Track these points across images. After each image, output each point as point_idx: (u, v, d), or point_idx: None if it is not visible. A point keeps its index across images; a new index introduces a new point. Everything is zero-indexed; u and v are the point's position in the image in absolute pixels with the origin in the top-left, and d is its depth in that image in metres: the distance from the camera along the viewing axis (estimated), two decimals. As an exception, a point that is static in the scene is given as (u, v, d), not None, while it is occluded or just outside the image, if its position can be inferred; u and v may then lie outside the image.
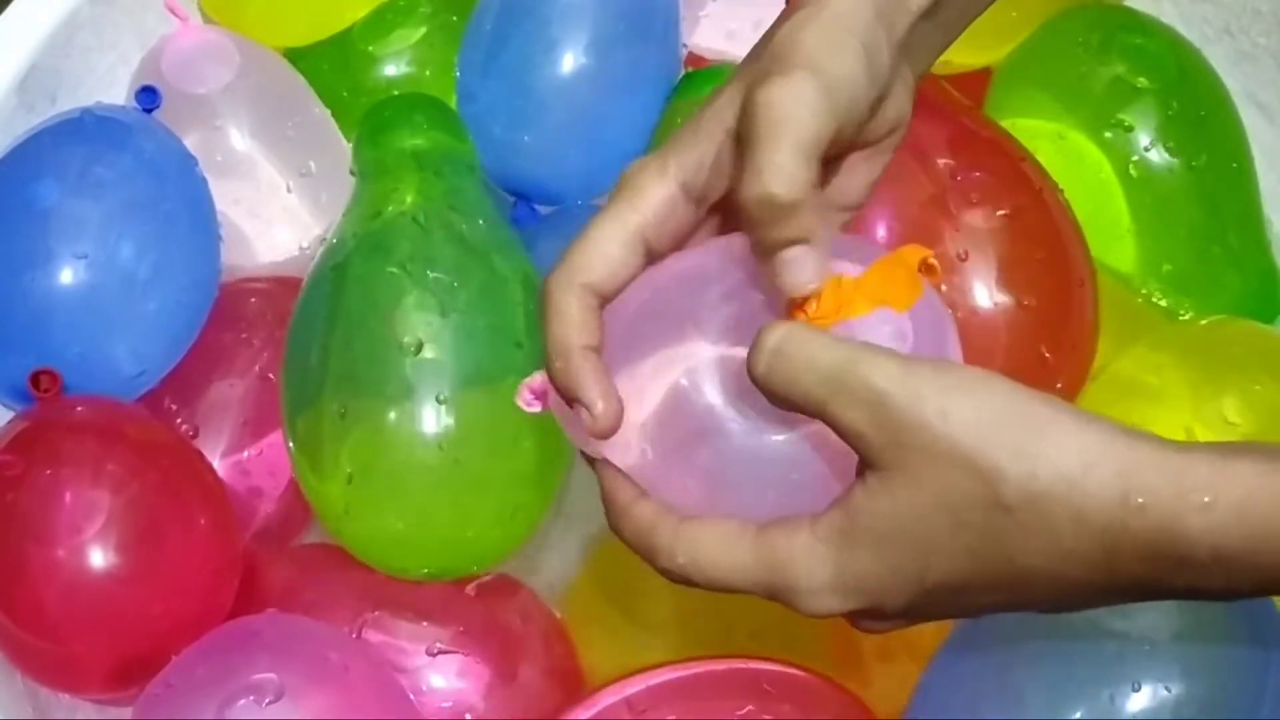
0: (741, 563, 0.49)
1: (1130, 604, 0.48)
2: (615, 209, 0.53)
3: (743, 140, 0.50)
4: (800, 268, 0.49)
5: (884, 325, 0.50)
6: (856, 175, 0.57)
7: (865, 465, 0.47)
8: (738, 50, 0.92)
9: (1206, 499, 0.44)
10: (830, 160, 0.53)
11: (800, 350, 0.47)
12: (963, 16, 0.58)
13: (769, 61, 0.51)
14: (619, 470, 0.53)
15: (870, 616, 0.50)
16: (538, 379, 0.55)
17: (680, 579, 0.50)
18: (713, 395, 0.51)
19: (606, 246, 0.53)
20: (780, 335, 0.47)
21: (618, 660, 0.75)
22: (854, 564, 0.48)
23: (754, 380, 0.48)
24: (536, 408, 0.56)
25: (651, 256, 0.54)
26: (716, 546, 0.50)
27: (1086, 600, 0.48)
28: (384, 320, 0.72)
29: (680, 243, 0.54)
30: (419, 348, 0.71)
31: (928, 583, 0.48)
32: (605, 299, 0.53)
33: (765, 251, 0.50)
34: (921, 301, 0.50)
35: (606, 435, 0.52)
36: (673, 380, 0.51)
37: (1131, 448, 0.45)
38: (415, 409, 0.70)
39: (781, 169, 0.48)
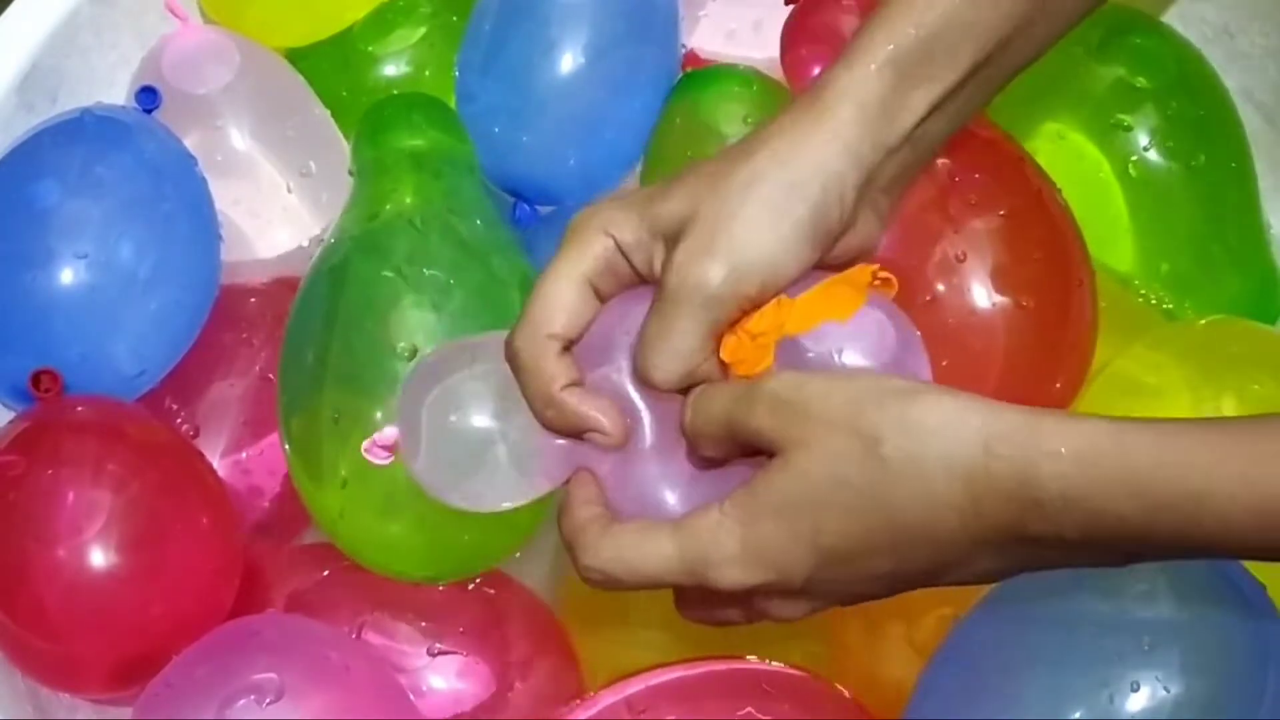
0: (662, 551, 0.54)
1: (1026, 574, 0.53)
2: (564, 259, 0.57)
3: (657, 289, 0.56)
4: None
5: (857, 340, 0.56)
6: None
7: (769, 455, 0.53)
8: (737, 50, 0.93)
9: (1057, 448, 0.49)
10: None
11: (712, 391, 0.55)
12: (938, 139, 0.61)
13: (708, 213, 0.55)
14: (593, 477, 0.58)
15: (779, 593, 0.54)
16: (388, 433, 0.60)
17: (603, 579, 0.55)
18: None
19: (563, 297, 0.57)
20: (695, 392, 0.55)
21: (616, 660, 0.75)
22: (756, 534, 0.52)
23: (686, 433, 0.56)
24: (384, 459, 0.61)
25: (604, 297, 0.58)
26: (638, 538, 0.54)
27: (962, 558, 0.52)
28: (380, 321, 0.72)
29: (629, 283, 0.58)
30: (415, 349, 0.71)
31: (822, 547, 0.52)
32: (571, 342, 0.57)
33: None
34: (886, 318, 0.57)
35: (624, 444, 0.57)
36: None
37: (994, 409, 0.51)
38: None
39: (672, 357, 0.55)
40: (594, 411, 0.56)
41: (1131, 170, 0.84)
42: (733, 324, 0.55)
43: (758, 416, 0.53)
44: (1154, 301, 0.84)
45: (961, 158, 0.76)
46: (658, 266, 0.56)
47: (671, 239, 0.56)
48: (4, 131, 0.79)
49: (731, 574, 0.53)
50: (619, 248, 0.57)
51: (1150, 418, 0.50)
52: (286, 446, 0.74)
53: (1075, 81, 0.85)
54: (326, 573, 0.76)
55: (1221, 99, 0.87)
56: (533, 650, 0.75)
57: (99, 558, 0.68)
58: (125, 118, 0.79)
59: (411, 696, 0.72)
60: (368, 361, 0.72)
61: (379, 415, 0.70)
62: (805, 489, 0.52)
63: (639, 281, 0.58)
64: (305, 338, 0.74)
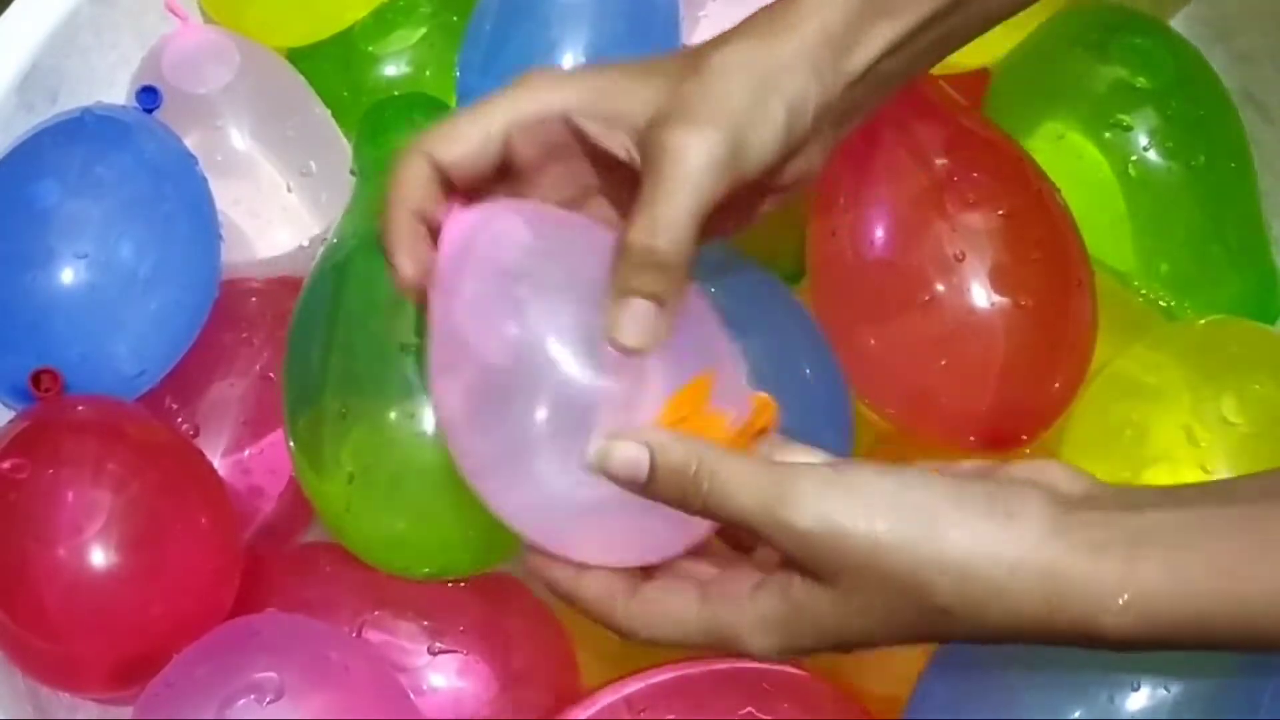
0: (689, 632, 0.53)
1: None
2: (495, 99, 0.56)
3: (643, 173, 0.54)
4: (637, 325, 0.53)
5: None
6: (740, 211, 0.59)
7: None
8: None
9: (1119, 602, 0.49)
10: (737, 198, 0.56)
11: (732, 475, 0.51)
12: (890, 83, 0.60)
13: (692, 90, 0.54)
14: (547, 555, 0.55)
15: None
16: None
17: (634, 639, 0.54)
18: None
19: (466, 128, 0.56)
20: (712, 460, 0.51)
21: (617, 660, 0.75)
22: (800, 641, 0.52)
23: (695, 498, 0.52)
24: None
25: (518, 154, 0.56)
26: (665, 622, 0.53)
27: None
28: (385, 319, 0.72)
29: (559, 153, 0.57)
30: (420, 346, 0.71)
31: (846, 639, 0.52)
32: (448, 178, 0.56)
33: (619, 291, 0.53)
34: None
35: (409, 288, 0.56)
36: None
37: (1047, 547, 0.49)
38: (416, 408, 0.70)
39: (672, 227, 0.52)
40: (405, 245, 0.56)
41: (1131, 170, 0.84)
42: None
43: (796, 545, 0.50)
44: (1154, 300, 0.84)
45: (961, 157, 0.76)
46: (619, 150, 0.56)
47: (650, 122, 0.54)
48: (4, 131, 0.79)
49: (771, 656, 0.52)
50: (563, 115, 0.56)
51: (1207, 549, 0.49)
52: (292, 444, 0.74)
53: (1075, 81, 0.86)
54: (327, 572, 0.76)
55: (1221, 99, 0.87)
56: (533, 649, 0.75)
57: (99, 557, 0.68)
58: (125, 117, 0.79)
59: (411, 696, 0.72)
60: (372, 358, 0.72)
61: (386, 412, 0.70)
62: (854, 622, 0.51)
63: (571, 156, 0.57)
64: (309, 336, 0.74)
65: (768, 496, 0.50)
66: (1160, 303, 0.84)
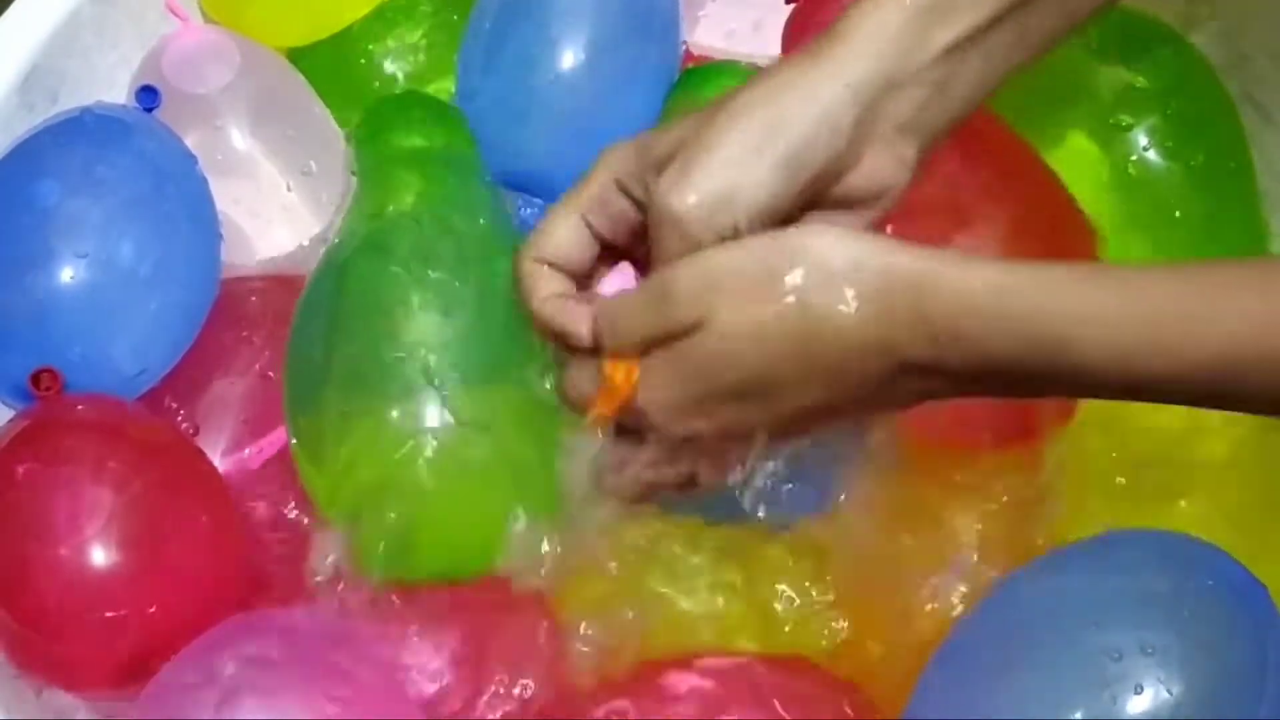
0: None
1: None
2: (566, 196, 0.61)
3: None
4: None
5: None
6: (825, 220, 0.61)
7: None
8: (737, 49, 0.93)
9: (948, 291, 0.52)
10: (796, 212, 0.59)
11: (619, 305, 0.58)
12: (974, 86, 0.61)
13: (694, 140, 0.57)
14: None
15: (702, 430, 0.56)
16: None
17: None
18: None
19: (555, 228, 0.60)
20: (602, 305, 0.58)
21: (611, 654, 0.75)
22: (679, 386, 0.56)
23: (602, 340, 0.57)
24: None
25: (599, 231, 0.60)
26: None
27: (868, 388, 0.55)
28: (386, 319, 0.72)
29: (626, 217, 0.60)
30: (421, 347, 0.71)
31: (742, 382, 0.55)
32: (569, 272, 0.61)
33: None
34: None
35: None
36: None
37: (890, 249, 0.54)
38: (418, 408, 0.70)
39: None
40: (567, 316, 0.59)
41: (1131, 170, 0.84)
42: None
43: (676, 310, 0.54)
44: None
45: (971, 156, 0.76)
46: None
47: (662, 169, 0.58)
48: (5, 131, 0.79)
49: (662, 419, 0.56)
50: (616, 182, 0.59)
51: (1035, 262, 0.53)
52: (294, 444, 0.74)
53: (1075, 81, 0.85)
54: (329, 570, 0.76)
55: (1221, 99, 0.87)
56: (533, 649, 0.75)
57: (100, 556, 0.68)
58: (126, 117, 0.79)
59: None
60: (373, 358, 0.72)
61: (389, 412, 0.71)
62: (726, 347, 0.54)
63: (637, 216, 0.60)
64: (311, 336, 0.74)
65: (649, 294, 0.56)
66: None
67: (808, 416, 0.57)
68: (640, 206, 0.59)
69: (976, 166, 0.75)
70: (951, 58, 0.59)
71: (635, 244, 0.61)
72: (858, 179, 0.59)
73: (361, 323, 0.73)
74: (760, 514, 0.69)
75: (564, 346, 0.60)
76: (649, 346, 0.56)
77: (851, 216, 0.60)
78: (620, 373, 0.57)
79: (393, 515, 0.71)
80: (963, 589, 0.73)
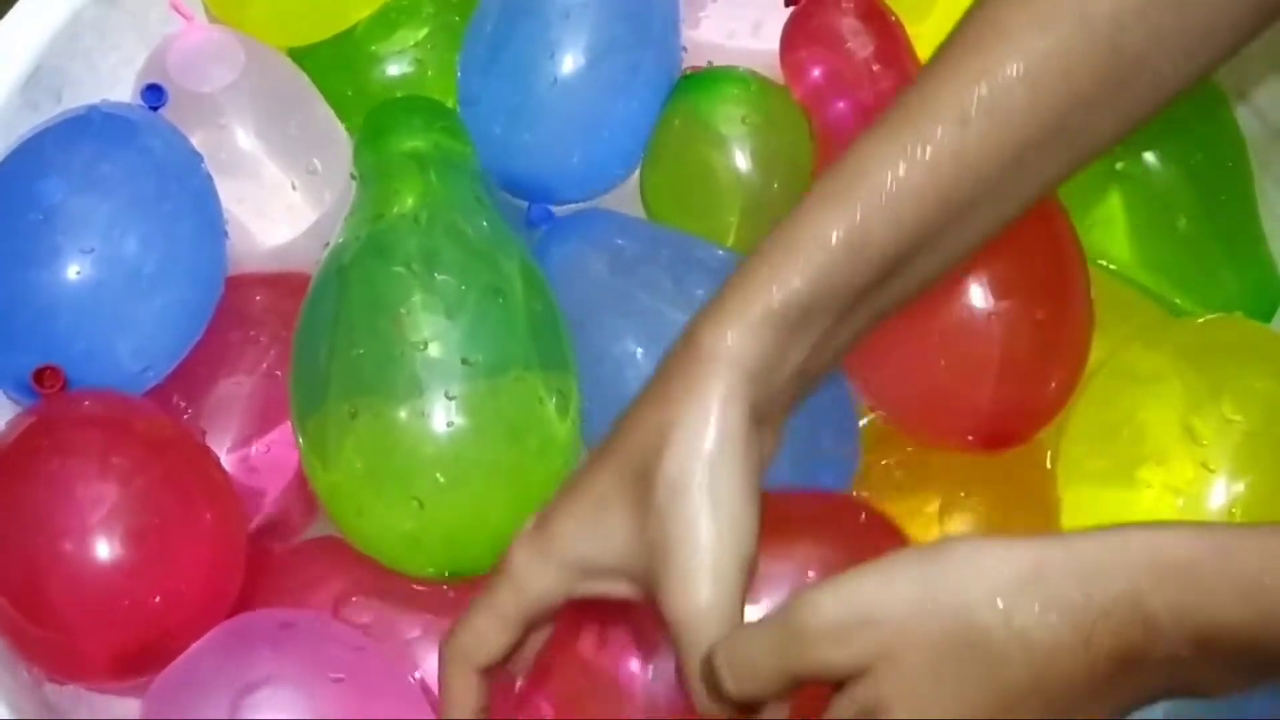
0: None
1: None
2: (500, 592, 0.59)
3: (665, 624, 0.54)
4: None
5: None
6: None
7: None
8: (737, 46, 0.93)
9: (1157, 562, 0.47)
10: None
11: (745, 643, 0.50)
12: (835, 357, 0.60)
13: (659, 540, 0.53)
14: None
15: None
16: None
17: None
18: None
19: (489, 631, 0.59)
20: (718, 651, 0.51)
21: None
22: None
23: (730, 692, 0.51)
24: None
25: (535, 628, 0.60)
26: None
27: (1073, 706, 0.48)
28: (390, 320, 0.72)
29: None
30: (425, 346, 0.71)
31: None
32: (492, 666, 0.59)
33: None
34: None
35: None
36: None
37: (1044, 542, 0.48)
38: (424, 407, 0.71)
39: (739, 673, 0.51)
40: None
41: (1129, 169, 0.84)
42: None
43: (822, 655, 0.49)
44: (1151, 299, 0.85)
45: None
46: (630, 596, 0.56)
47: (645, 573, 0.54)
48: (8, 131, 0.79)
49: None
50: (572, 598, 0.58)
51: (1247, 525, 0.50)
52: (302, 444, 0.74)
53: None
54: (332, 569, 0.76)
55: (1218, 99, 0.87)
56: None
57: (104, 548, 0.68)
58: (131, 115, 0.80)
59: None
60: (379, 358, 0.72)
61: (395, 411, 0.71)
62: (904, 695, 0.48)
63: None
64: (316, 338, 0.74)
65: (780, 634, 0.50)
66: (1157, 300, 0.85)
67: None
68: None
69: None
70: (810, 356, 0.57)
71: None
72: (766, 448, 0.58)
73: (365, 323, 0.73)
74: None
75: None
76: (777, 692, 0.50)
77: None
78: None
79: (402, 515, 0.72)
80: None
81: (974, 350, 0.74)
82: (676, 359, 0.56)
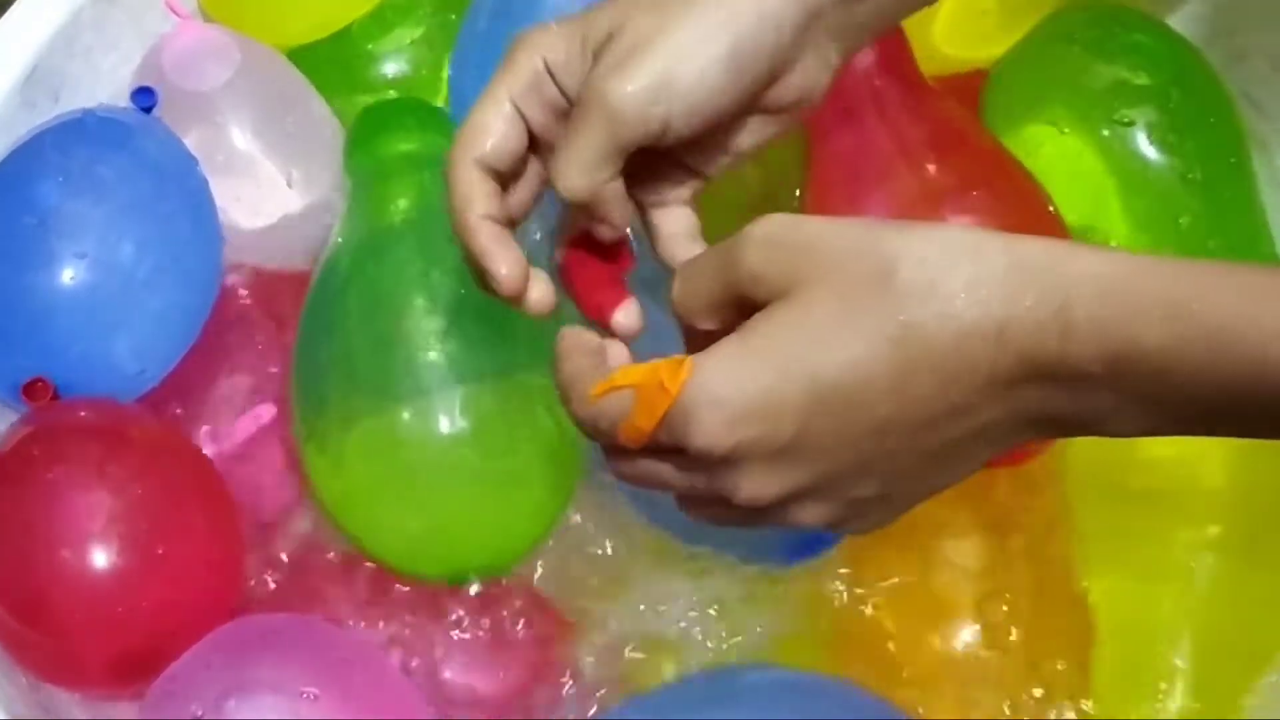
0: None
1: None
2: (494, 81, 0.58)
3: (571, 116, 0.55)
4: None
5: None
6: (746, 133, 0.59)
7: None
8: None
9: (1090, 272, 0.46)
10: (727, 119, 0.57)
11: (696, 257, 0.53)
12: (899, 6, 0.60)
13: (634, 25, 0.54)
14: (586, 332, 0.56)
15: (764, 457, 0.48)
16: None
17: (593, 432, 0.53)
18: None
19: (487, 120, 0.57)
20: (680, 267, 0.53)
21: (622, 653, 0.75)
22: (744, 373, 0.48)
23: (677, 311, 0.52)
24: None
25: (530, 120, 0.58)
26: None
27: (970, 399, 0.48)
28: (390, 321, 0.72)
29: (558, 106, 0.58)
30: (425, 347, 0.71)
31: (816, 383, 0.47)
32: (498, 171, 0.57)
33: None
34: None
35: (515, 296, 0.56)
36: None
37: (1016, 237, 0.48)
38: (425, 409, 0.71)
39: (574, 166, 0.54)
40: (496, 249, 0.56)
41: (1131, 166, 0.84)
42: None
43: (751, 260, 0.49)
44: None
45: (956, 167, 0.76)
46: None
47: (600, 53, 0.55)
48: (6, 131, 0.79)
49: (711, 421, 0.47)
50: (547, 68, 0.57)
51: (1191, 259, 0.47)
52: (304, 448, 0.74)
53: (1074, 78, 0.86)
54: (332, 572, 0.77)
55: (1219, 95, 0.87)
56: (542, 650, 0.76)
57: (102, 557, 0.69)
58: (127, 119, 0.80)
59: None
60: (378, 361, 0.72)
61: (395, 414, 0.71)
62: (806, 323, 0.48)
63: (567, 105, 0.57)
64: (315, 341, 0.75)
65: (727, 244, 0.51)
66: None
67: (863, 441, 0.48)
68: (568, 94, 0.57)
69: (964, 180, 0.76)
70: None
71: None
72: (789, 82, 0.57)
73: (365, 326, 0.73)
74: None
75: (481, 283, 0.57)
76: (718, 311, 0.51)
77: (774, 122, 0.58)
78: (668, 370, 0.48)
79: (406, 517, 0.72)
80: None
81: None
82: None
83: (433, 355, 0.72)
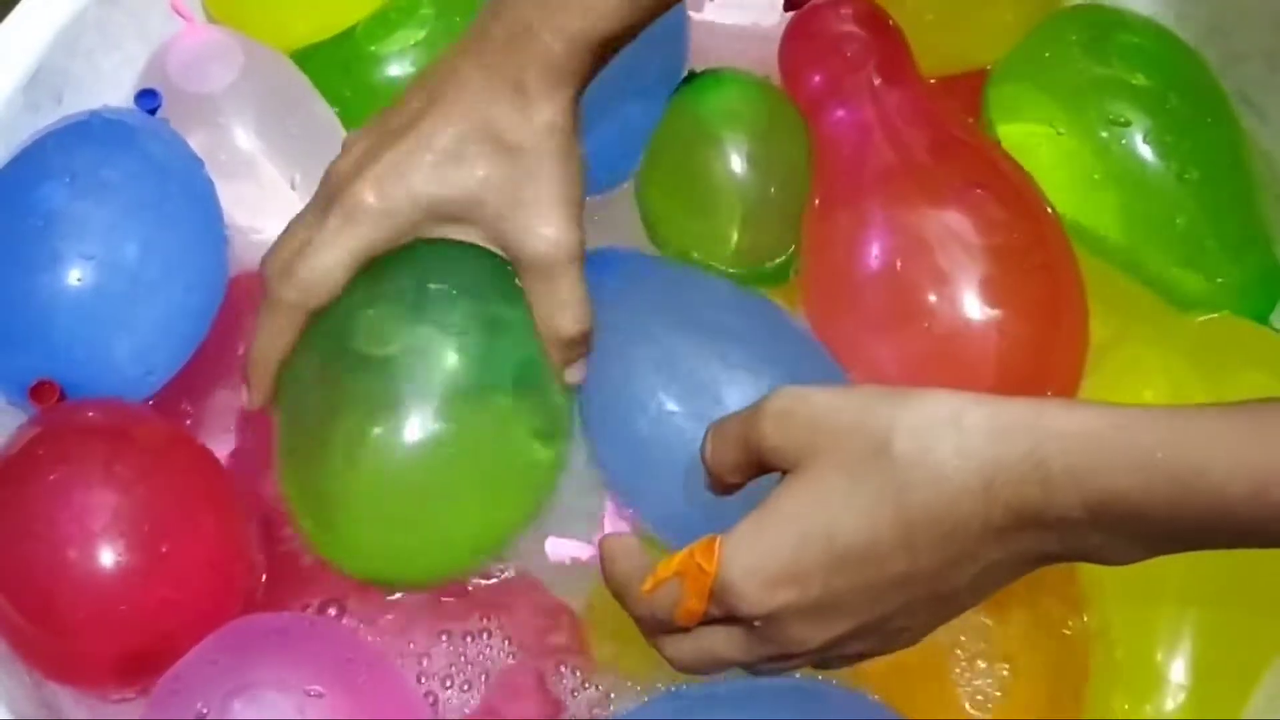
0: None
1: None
2: (338, 236, 0.68)
3: (522, 268, 0.69)
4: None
5: None
6: None
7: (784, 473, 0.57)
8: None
9: (1063, 430, 0.52)
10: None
11: (726, 419, 0.59)
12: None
13: (512, 181, 0.68)
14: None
15: (800, 613, 0.55)
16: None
17: (650, 629, 0.61)
18: None
19: (328, 274, 0.67)
20: (711, 425, 0.60)
21: (631, 646, 0.75)
22: (770, 543, 0.55)
23: (708, 466, 0.60)
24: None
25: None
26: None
27: (972, 548, 0.54)
28: (366, 335, 0.72)
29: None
30: (410, 357, 0.71)
31: (835, 549, 0.54)
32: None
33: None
34: None
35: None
36: None
37: (999, 401, 0.54)
38: (406, 420, 0.71)
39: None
40: (268, 385, 0.69)
41: (1128, 166, 0.84)
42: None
43: (768, 435, 0.56)
44: (1150, 297, 0.85)
45: (960, 174, 0.76)
46: (480, 242, 0.69)
47: (496, 217, 0.67)
48: (10, 133, 0.80)
49: (750, 587, 0.55)
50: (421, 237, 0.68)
51: (1151, 404, 0.54)
52: (280, 461, 0.74)
53: (1072, 80, 0.86)
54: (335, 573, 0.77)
55: (1216, 96, 0.88)
56: (547, 650, 0.76)
57: (108, 556, 0.69)
58: (132, 120, 0.80)
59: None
60: (360, 371, 0.72)
61: (382, 423, 0.71)
62: (818, 494, 0.54)
63: None
64: (308, 347, 0.74)
65: (750, 411, 0.58)
66: (1157, 299, 0.85)
67: (886, 593, 0.55)
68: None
69: (963, 182, 0.76)
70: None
71: None
72: None
73: (348, 336, 0.72)
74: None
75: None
76: (744, 471, 0.58)
77: None
78: (702, 553, 0.56)
79: (387, 521, 0.72)
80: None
81: (969, 359, 0.75)
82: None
83: (422, 364, 0.71)
